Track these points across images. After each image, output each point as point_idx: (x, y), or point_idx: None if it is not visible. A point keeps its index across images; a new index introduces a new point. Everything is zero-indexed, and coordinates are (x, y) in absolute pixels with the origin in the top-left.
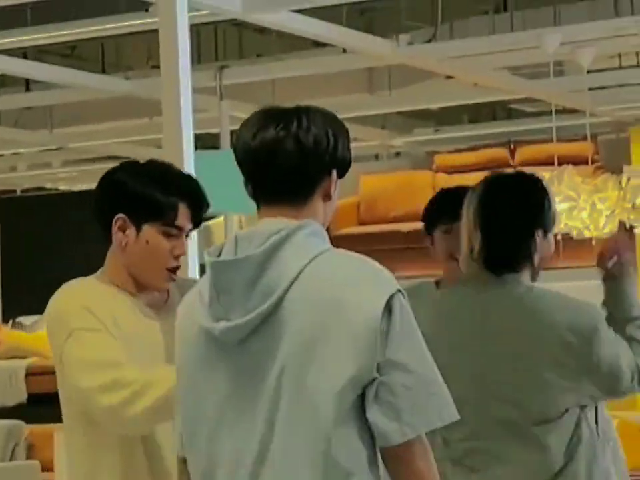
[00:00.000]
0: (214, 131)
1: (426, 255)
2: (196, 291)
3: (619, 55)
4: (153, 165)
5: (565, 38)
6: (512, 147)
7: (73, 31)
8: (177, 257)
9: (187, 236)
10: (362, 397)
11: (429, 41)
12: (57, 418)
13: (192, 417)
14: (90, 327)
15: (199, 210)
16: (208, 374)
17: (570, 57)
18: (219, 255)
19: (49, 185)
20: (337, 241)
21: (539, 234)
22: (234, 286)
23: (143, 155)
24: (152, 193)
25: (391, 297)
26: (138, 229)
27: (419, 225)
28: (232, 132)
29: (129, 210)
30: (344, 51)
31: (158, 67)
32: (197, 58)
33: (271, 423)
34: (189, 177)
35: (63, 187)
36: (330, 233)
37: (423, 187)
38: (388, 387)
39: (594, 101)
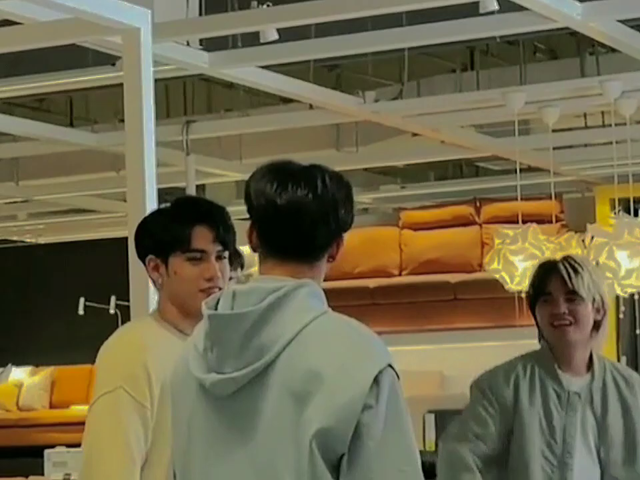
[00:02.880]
0: (181, 185)
1: (391, 311)
2: (191, 340)
3: (585, 115)
4: (175, 200)
5: (530, 97)
6: (477, 204)
7: (40, 84)
8: (208, 279)
9: (221, 258)
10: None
11: (395, 98)
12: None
13: (183, 466)
14: (138, 399)
15: (218, 230)
16: (201, 424)
17: (535, 116)
18: (216, 307)
19: (15, 238)
20: None
21: None
22: (229, 340)
23: (108, 208)
24: (164, 225)
25: (380, 372)
26: (166, 264)
27: (385, 281)
28: (197, 186)
29: (153, 249)
30: (310, 106)
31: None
32: (166, 112)
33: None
34: (206, 201)
35: (29, 239)
36: None
37: (388, 243)
38: (361, 466)
39: (560, 160)
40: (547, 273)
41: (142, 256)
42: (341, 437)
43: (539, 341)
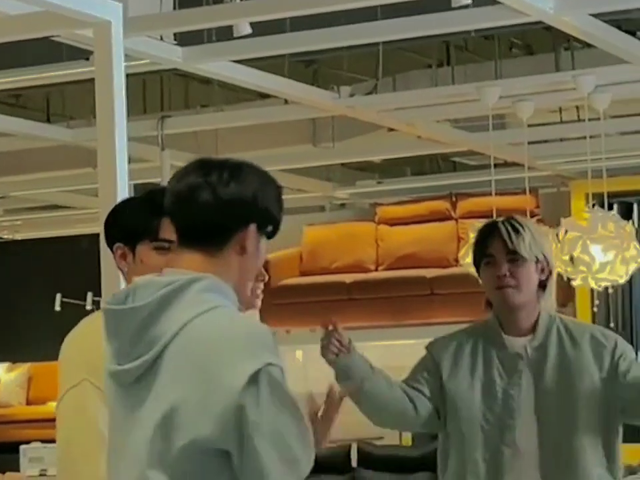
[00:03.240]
0: (158, 180)
1: (368, 306)
2: None
3: (560, 109)
4: (149, 190)
5: (504, 91)
6: (453, 199)
7: (12, 79)
8: None
9: None
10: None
11: (370, 93)
12: None
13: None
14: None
15: None
16: (116, 413)
17: (509, 111)
18: (125, 301)
19: None
20: (279, 292)
21: None
22: (123, 333)
23: (85, 204)
24: (134, 213)
25: (257, 372)
26: (134, 253)
27: (361, 276)
28: None
29: (122, 237)
30: (285, 102)
31: None
32: (143, 108)
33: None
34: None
35: (6, 235)
36: (271, 284)
37: (365, 238)
38: (245, 468)
39: (535, 154)
40: (488, 234)
41: (110, 244)
42: (215, 440)
43: (485, 306)
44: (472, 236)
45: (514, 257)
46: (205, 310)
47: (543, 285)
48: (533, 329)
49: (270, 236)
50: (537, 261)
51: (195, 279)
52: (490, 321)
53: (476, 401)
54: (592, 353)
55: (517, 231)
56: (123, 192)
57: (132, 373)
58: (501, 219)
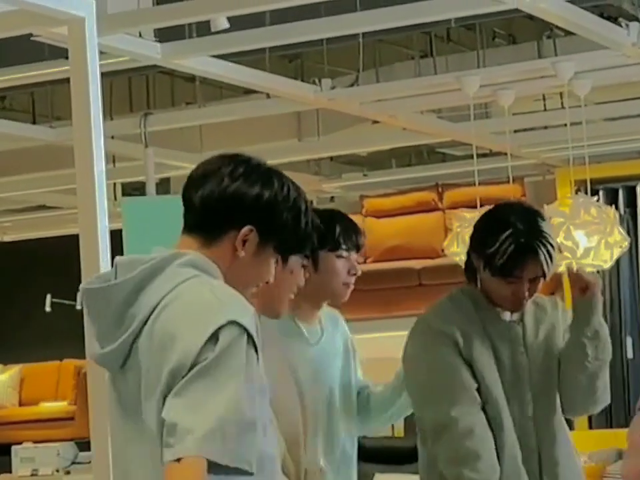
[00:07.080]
0: (143, 178)
1: (357, 298)
2: None
3: (543, 97)
4: None
5: (486, 80)
6: (440, 190)
7: None
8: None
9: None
10: None
11: (352, 85)
12: None
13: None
14: None
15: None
16: (112, 402)
17: (491, 99)
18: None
19: None
20: None
21: None
22: (104, 313)
23: (74, 204)
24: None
25: (220, 328)
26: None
27: None
28: (162, 179)
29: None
30: (268, 96)
31: None
32: (129, 107)
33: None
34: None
35: None
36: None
37: None
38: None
39: (520, 143)
40: (524, 255)
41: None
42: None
43: (469, 282)
44: (456, 225)
45: (538, 278)
46: (182, 281)
47: None
48: None
49: (283, 252)
50: None
51: (178, 255)
52: (476, 294)
53: (494, 375)
54: (558, 318)
55: (550, 255)
56: (101, 191)
57: (116, 355)
58: (532, 232)
